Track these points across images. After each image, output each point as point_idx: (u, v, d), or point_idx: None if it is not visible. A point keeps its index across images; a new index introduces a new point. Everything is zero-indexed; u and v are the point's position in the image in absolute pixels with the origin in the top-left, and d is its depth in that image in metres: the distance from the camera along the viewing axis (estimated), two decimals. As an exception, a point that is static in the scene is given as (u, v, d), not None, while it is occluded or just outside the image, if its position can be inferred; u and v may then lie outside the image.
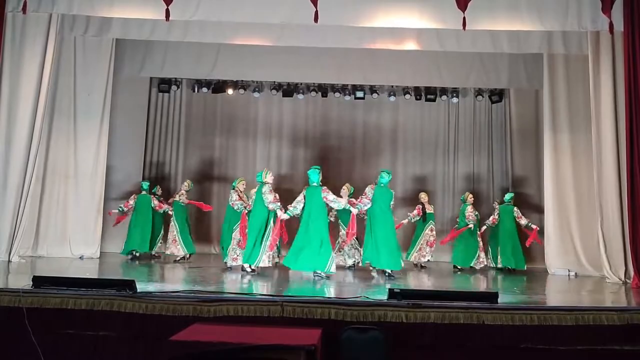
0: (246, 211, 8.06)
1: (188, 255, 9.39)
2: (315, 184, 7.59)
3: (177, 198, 9.59)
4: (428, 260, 9.46)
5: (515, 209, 9.38)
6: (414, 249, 9.46)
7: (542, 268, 9.18)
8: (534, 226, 9.20)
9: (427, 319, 4.89)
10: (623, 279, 7.59)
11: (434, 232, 9.53)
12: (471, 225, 9.14)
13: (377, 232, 7.78)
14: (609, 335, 4.89)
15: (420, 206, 9.57)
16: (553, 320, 4.92)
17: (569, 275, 8.67)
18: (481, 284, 8.01)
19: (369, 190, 7.90)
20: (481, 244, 9.33)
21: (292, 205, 7.58)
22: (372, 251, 7.80)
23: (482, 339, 4.87)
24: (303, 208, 7.50)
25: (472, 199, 9.57)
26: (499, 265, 9.23)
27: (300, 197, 7.57)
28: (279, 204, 7.71)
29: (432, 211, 9.68)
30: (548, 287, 7.78)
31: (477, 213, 9.46)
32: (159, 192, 10.09)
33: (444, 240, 9.57)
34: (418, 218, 9.52)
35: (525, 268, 9.12)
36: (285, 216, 7.51)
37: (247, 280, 7.19)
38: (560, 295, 7.08)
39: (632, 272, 7.35)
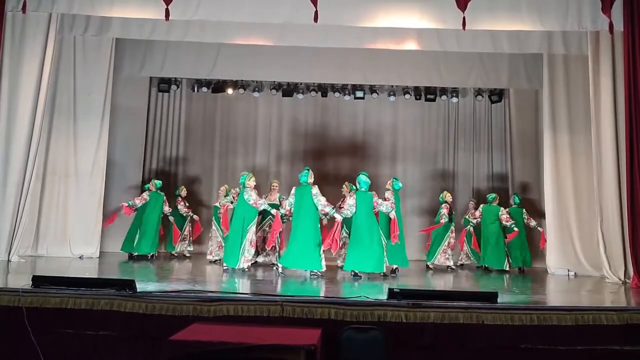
0: (281, 212, 8.00)
1: (149, 255, 9.42)
2: (364, 189, 7.75)
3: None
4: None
5: (524, 210, 9.44)
6: (438, 251, 9.38)
7: (542, 268, 9.18)
8: (540, 228, 9.24)
9: (427, 319, 4.90)
10: (623, 279, 7.59)
11: (454, 234, 9.55)
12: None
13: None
14: (609, 335, 4.90)
15: (448, 205, 9.53)
16: (553, 320, 4.92)
17: (568, 275, 8.66)
18: (484, 284, 8.00)
19: (389, 195, 8.15)
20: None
21: (345, 208, 7.75)
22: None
23: (482, 339, 4.87)
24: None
25: (450, 197, 9.69)
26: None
27: (352, 202, 7.65)
28: (332, 205, 7.86)
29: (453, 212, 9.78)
30: (548, 287, 7.78)
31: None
32: (183, 193, 10.26)
33: (461, 241, 9.61)
34: (448, 217, 9.46)
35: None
36: (340, 217, 7.61)
37: (247, 279, 7.19)
38: (560, 295, 7.08)
39: (631, 272, 7.35)
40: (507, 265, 9.14)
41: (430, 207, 10.81)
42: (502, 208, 9.39)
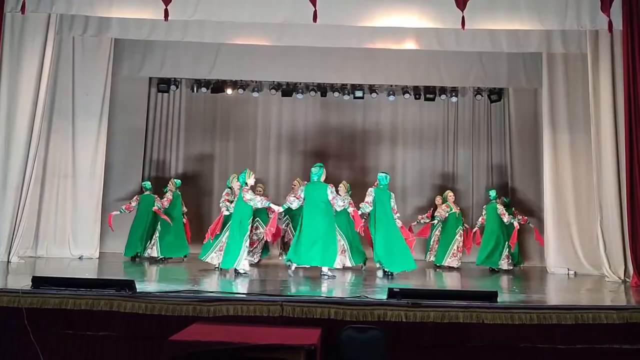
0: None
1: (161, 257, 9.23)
2: (382, 185, 7.94)
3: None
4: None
5: (498, 206, 9.23)
6: (429, 250, 9.81)
7: (541, 267, 9.17)
8: (515, 223, 9.09)
9: (427, 318, 4.89)
10: (622, 277, 7.60)
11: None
12: (435, 221, 9.46)
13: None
14: (609, 334, 4.90)
15: (432, 209, 9.91)
16: (552, 319, 4.92)
17: (568, 274, 8.67)
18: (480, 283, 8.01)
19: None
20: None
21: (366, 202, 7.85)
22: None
23: (482, 339, 4.87)
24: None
25: (453, 197, 9.72)
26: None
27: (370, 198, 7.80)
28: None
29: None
30: (547, 286, 7.78)
31: (454, 211, 9.52)
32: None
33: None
34: (427, 220, 9.84)
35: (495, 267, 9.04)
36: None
37: (248, 279, 7.20)
38: (560, 294, 7.08)
39: (631, 271, 7.35)
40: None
41: (429, 205, 10.78)
42: (443, 204, 9.62)
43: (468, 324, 4.88)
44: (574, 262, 8.79)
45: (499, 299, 5.21)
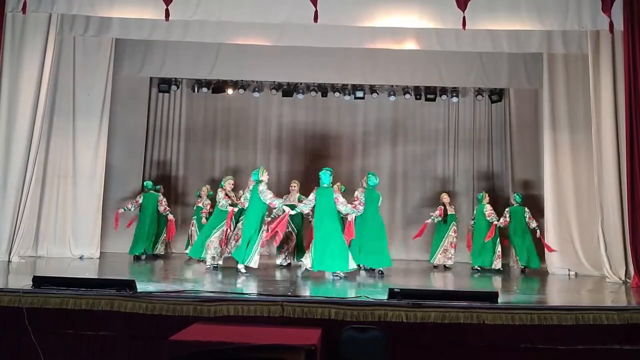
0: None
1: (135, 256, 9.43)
2: (325, 185, 7.72)
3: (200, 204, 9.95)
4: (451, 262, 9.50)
5: (526, 209, 9.26)
6: (437, 251, 9.49)
7: (542, 268, 9.17)
8: (538, 231, 9.07)
9: (427, 318, 4.90)
10: (623, 278, 7.60)
11: (457, 234, 9.59)
12: (497, 223, 9.15)
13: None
14: (609, 334, 4.90)
15: (442, 207, 9.65)
16: (553, 319, 4.92)
17: (569, 274, 8.66)
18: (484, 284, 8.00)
19: (359, 194, 7.99)
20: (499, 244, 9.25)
21: (304, 202, 7.86)
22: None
23: (482, 339, 4.87)
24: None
25: (488, 198, 9.59)
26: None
27: (312, 197, 7.74)
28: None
29: (453, 212, 9.71)
30: (548, 286, 7.78)
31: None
32: (162, 191, 10.19)
33: (468, 245, 9.62)
34: (440, 219, 9.57)
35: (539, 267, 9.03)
36: (289, 211, 7.65)
37: (247, 280, 7.20)
38: (561, 294, 7.08)
39: (632, 272, 7.35)
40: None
41: (430, 206, 10.78)
42: (487, 205, 9.39)
43: (468, 325, 4.88)
44: (574, 262, 8.78)
45: (499, 300, 5.21)
